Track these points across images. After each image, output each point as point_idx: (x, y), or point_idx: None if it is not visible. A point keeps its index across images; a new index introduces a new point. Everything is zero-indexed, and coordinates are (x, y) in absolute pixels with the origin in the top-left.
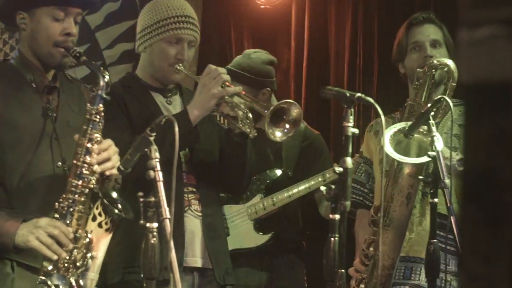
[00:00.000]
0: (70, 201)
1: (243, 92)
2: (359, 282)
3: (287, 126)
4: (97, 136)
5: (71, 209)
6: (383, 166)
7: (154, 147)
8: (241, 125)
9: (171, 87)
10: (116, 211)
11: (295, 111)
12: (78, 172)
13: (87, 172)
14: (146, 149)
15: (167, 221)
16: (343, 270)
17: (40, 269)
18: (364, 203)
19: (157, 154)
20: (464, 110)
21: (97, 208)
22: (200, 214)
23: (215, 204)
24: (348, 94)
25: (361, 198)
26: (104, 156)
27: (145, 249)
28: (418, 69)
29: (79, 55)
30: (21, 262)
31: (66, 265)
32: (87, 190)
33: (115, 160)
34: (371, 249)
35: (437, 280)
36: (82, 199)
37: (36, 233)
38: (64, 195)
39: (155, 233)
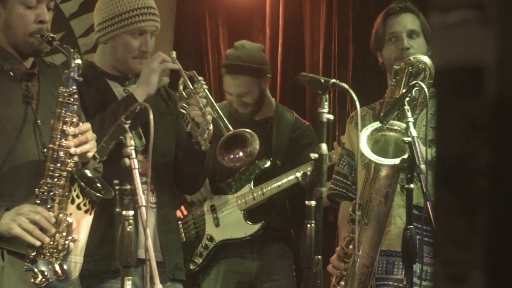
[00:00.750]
0: (50, 185)
1: (214, 104)
2: (339, 279)
3: (241, 154)
4: (73, 118)
5: (52, 194)
6: (358, 158)
7: (129, 134)
8: (199, 134)
9: (130, 76)
10: (94, 191)
11: (254, 146)
12: (55, 156)
13: (64, 155)
14: (121, 137)
15: (143, 209)
16: (319, 257)
17: (26, 256)
18: (347, 195)
19: (133, 142)
20: (436, 95)
21: (74, 191)
22: (153, 205)
23: (170, 195)
24: (322, 80)
25: (344, 190)
26: (81, 139)
27: (122, 237)
28: (394, 66)
29: (51, 40)
30: (11, 250)
31: (50, 250)
32: (65, 174)
33: (93, 144)
34: (350, 246)
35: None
36: (62, 182)
37: (18, 220)
38: (43, 180)
39: (131, 221)
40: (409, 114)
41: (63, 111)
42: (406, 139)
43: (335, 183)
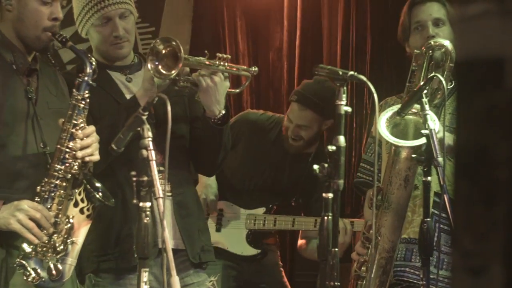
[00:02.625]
0: (52, 185)
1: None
2: (361, 265)
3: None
4: (81, 122)
5: (52, 194)
6: (377, 142)
7: (147, 126)
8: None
9: (129, 63)
10: (98, 197)
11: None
12: (61, 157)
13: (70, 158)
14: (139, 128)
15: (160, 200)
16: (336, 249)
17: (18, 251)
18: (371, 184)
19: (150, 133)
20: (457, 87)
21: (79, 194)
22: (169, 194)
23: (186, 182)
24: (340, 72)
25: (370, 178)
26: (87, 142)
27: (138, 228)
28: (415, 51)
29: (65, 40)
30: (11, 242)
31: (44, 249)
32: (69, 175)
33: (95, 148)
34: (371, 231)
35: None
36: (64, 184)
37: (17, 215)
38: (46, 179)
39: (148, 213)
40: (427, 106)
41: (75, 114)
42: (423, 131)
43: (362, 171)
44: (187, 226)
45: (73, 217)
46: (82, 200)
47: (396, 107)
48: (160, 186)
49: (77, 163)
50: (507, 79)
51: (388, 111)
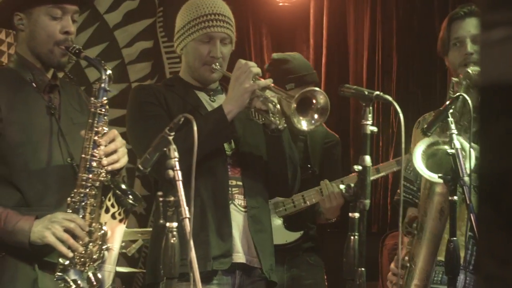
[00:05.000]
0: (82, 195)
1: (273, 85)
2: None
3: (315, 115)
4: (104, 129)
5: (83, 203)
6: (403, 171)
7: (173, 146)
8: (272, 118)
9: (214, 87)
10: (129, 200)
11: (322, 99)
12: (87, 165)
13: (96, 165)
14: (165, 149)
15: (187, 221)
16: (363, 269)
17: (57, 265)
18: (414, 202)
19: (176, 154)
20: (479, 112)
21: (109, 200)
22: (243, 209)
23: (261, 197)
24: (366, 92)
25: (410, 197)
26: (111, 147)
27: (165, 248)
28: (453, 79)
29: (78, 52)
30: (44, 260)
31: (82, 259)
32: (97, 183)
33: (122, 152)
34: (406, 258)
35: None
36: (93, 192)
37: (52, 228)
38: (75, 190)
39: (174, 233)
40: (452, 126)
41: (95, 122)
42: (450, 151)
43: (405, 190)
44: (261, 241)
45: (105, 223)
46: (112, 205)
47: (432, 138)
48: (186, 207)
49: (103, 171)
50: None
51: (424, 142)
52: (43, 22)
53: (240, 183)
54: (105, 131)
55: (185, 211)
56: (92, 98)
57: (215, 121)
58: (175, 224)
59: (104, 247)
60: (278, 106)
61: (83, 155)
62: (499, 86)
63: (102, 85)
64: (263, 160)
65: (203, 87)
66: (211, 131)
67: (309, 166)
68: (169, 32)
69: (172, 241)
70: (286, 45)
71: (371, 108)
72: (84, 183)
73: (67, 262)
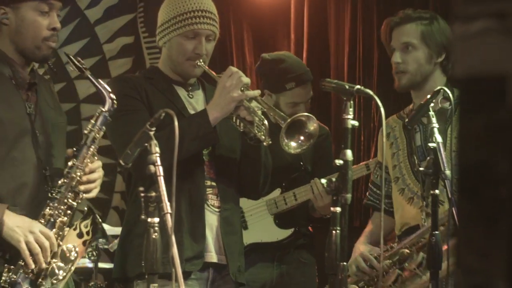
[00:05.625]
0: (58, 211)
1: (261, 97)
2: None
3: (302, 138)
4: (92, 153)
5: (54, 220)
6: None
7: (154, 141)
8: (256, 131)
9: (192, 82)
10: (100, 234)
11: (313, 125)
12: (70, 187)
13: (75, 187)
14: (146, 144)
15: (168, 216)
16: (345, 263)
17: (13, 267)
18: (380, 206)
19: (157, 149)
20: (459, 104)
21: (86, 227)
22: (217, 209)
23: (233, 200)
24: (347, 86)
25: (377, 202)
26: (94, 176)
27: (147, 244)
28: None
29: (84, 69)
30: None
31: (38, 273)
32: (75, 205)
33: (98, 184)
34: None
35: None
36: (68, 211)
37: (28, 237)
38: (56, 204)
39: (156, 228)
40: (433, 120)
41: (87, 144)
42: (431, 144)
43: (370, 193)
44: (230, 243)
45: (76, 247)
46: (87, 233)
47: None
48: (168, 202)
49: (81, 195)
50: (508, 96)
51: None
52: (31, 18)
53: (214, 183)
54: (93, 157)
55: (167, 206)
56: (92, 121)
57: (200, 127)
58: (156, 220)
59: (72, 269)
60: (266, 122)
61: (73, 175)
62: (478, 78)
63: (106, 114)
64: (237, 162)
65: (183, 81)
66: (195, 136)
67: (301, 163)
68: (150, 27)
69: (153, 236)
70: (267, 40)
71: (352, 102)
72: (65, 200)
73: (21, 271)
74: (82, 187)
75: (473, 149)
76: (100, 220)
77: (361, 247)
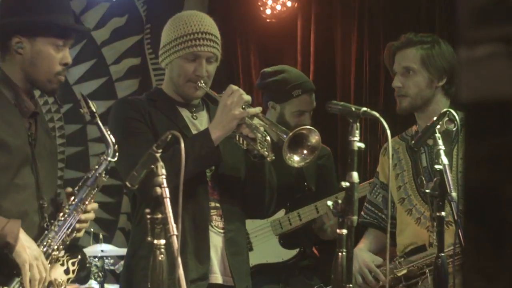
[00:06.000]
0: (55, 245)
1: (263, 114)
2: None
3: (305, 152)
4: (93, 194)
5: (50, 252)
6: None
7: (161, 163)
8: (259, 148)
9: (196, 103)
10: (85, 273)
11: (315, 138)
12: (69, 224)
13: (72, 225)
14: (153, 166)
15: (175, 238)
16: (351, 285)
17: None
18: (379, 225)
19: (164, 171)
20: (465, 128)
21: (73, 265)
22: (221, 231)
23: (238, 220)
24: (353, 109)
25: (375, 221)
26: (90, 216)
27: (153, 266)
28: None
29: (93, 116)
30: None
31: None
32: (68, 241)
33: (88, 224)
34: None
35: None
36: (61, 246)
37: (33, 262)
38: (49, 236)
39: (162, 250)
40: (440, 142)
41: (89, 183)
42: (437, 166)
43: (366, 212)
44: (236, 264)
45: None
46: (73, 272)
47: None
48: (174, 224)
49: (74, 233)
50: None
51: None
52: (47, 51)
53: (218, 204)
54: (90, 198)
55: (173, 228)
56: (96, 165)
57: (202, 146)
58: (162, 242)
59: None
60: (269, 138)
61: (74, 213)
62: (485, 102)
63: (108, 162)
64: (241, 182)
65: (186, 103)
66: (198, 156)
67: (305, 184)
68: (157, 48)
69: (160, 258)
70: (273, 61)
71: (358, 124)
72: (59, 234)
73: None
74: (77, 225)
75: (479, 173)
76: (87, 258)
77: (364, 255)
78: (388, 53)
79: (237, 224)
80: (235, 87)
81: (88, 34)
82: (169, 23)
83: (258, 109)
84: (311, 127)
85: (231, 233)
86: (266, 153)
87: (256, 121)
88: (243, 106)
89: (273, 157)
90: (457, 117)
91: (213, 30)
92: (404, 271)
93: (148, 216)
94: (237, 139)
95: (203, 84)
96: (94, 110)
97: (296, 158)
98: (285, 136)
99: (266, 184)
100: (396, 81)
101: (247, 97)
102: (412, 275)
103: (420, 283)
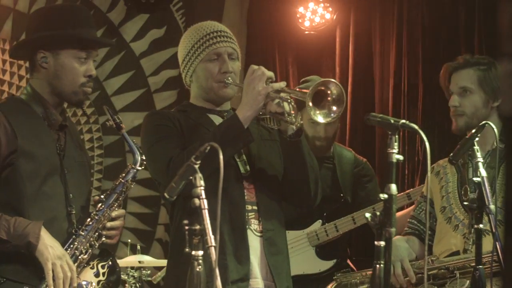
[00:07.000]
0: (83, 248)
1: (286, 87)
2: None
3: (332, 107)
4: (119, 202)
5: (78, 255)
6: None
7: (199, 175)
8: (288, 119)
9: (227, 109)
10: (117, 275)
11: (336, 89)
12: (96, 229)
13: (100, 231)
14: (191, 177)
15: (213, 249)
16: None
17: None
18: (419, 236)
19: (202, 182)
20: (505, 140)
21: (103, 268)
22: (259, 234)
23: (277, 219)
24: (392, 121)
25: (417, 232)
26: (117, 224)
27: (191, 277)
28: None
29: (120, 127)
30: (11, 279)
31: None
32: (96, 245)
33: (120, 231)
34: None
35: None
36: (89, 250)
37: (56, 261)
38: (77, 240)
39: (200, 261)
40: (478, 154)
41: (116, 194)
42: (475, 179)
43: (410, 226)
44: (276, 264)
45: (93, 283)
46: (103, 274)
47: None
48: (212, 235)
49: (103, 238)
50: None
51: None
52: (70, 64)
53: (255, 207)
54: (116, 205)
55: (211, 239)
56: (123, 175)
57: (231, 128)
58: (200, 253)
59: None
60: (293, 103)
61: (102, 218)
62: None
63: (135, 170)
64: (278, 180)
65: (217, 106)
66: (227, 138)
67: (341, 195)
68: None
69: (197, 269)
70: (312, 73)
71: (397, 136)
72: (91, 240)
73: None
74: (105, 232)
75: None
76: (118, 263)
77: (402, 246)
78: (445, 73)
79: (275, 223)
80: (255, 66)
81: (112, 45)
82: (182, 39)
83: (282, 84)
84: (329, 79)
85: (270, 233)
86: (294, 119)
87: (282, 94)
88: (266, 82)
89: (301, 121)
90: (496, 130)
91: (226, 29)
92: (434, 271)
93: (186, 227)
94: (268, 122)
95: (231, 80)
96: (119, 122)
97: (321, 117)
98: (305, 95)
99: (308, 164)
100: (453, 101)
101: (270, 73)
102: (441, 276)
103: (448, 284)
